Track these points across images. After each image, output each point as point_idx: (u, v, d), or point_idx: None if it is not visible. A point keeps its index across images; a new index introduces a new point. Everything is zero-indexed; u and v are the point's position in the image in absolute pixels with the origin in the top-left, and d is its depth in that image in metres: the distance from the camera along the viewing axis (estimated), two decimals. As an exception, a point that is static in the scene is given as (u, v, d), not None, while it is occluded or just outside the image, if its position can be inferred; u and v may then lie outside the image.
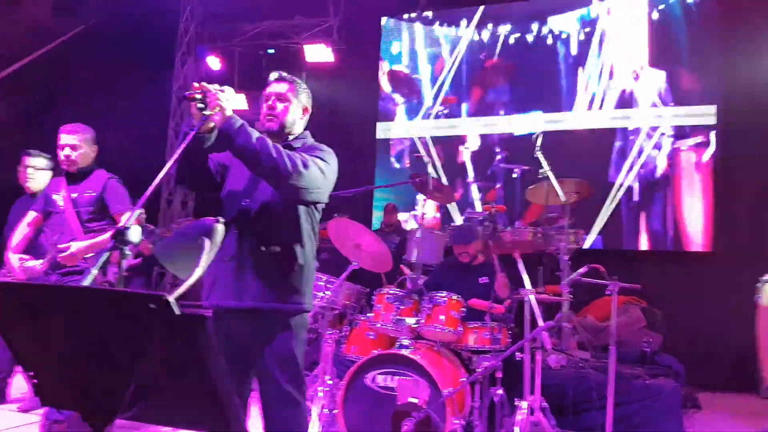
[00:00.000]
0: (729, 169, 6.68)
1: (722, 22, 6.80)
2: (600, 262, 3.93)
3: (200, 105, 2.11)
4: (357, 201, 6.72)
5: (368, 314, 3.78)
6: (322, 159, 2.32)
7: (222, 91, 2.15)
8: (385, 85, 8.03)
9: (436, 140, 7.77)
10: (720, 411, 5.22)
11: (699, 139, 6.80)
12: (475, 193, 7.45)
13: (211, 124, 2.15)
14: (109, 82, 7.28)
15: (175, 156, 2.08)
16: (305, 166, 2.21)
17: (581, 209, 6.47)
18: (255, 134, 2.16)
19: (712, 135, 6.74)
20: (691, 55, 6.89)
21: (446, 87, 7.75)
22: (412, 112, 7.91)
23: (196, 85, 2.16)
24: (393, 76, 7.98)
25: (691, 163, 6.82)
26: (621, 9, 7.19)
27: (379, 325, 3.62)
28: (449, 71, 7.72)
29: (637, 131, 7.03)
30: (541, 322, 3.27)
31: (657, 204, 6.90)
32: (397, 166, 7.85)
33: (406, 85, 7.92)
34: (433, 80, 7.80)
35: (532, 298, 3.33)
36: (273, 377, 2.28)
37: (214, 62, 8.35)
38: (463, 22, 7.75)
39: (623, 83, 7.11)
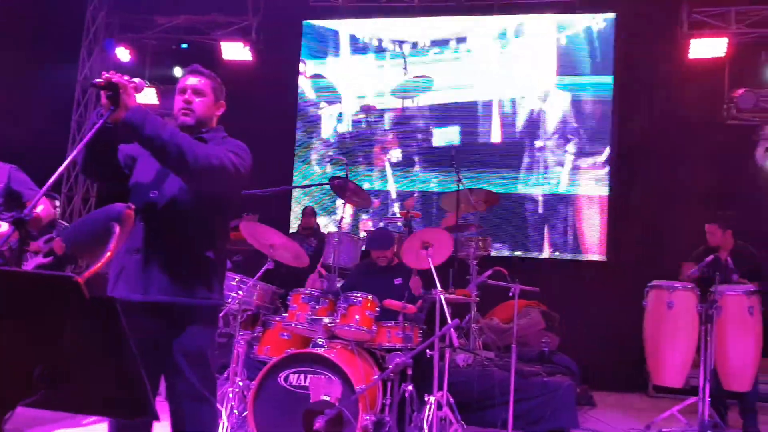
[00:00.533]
0: (623, 186, 7.27)
1: (620, 46, 7.39)
2: (505, 268, 4.16)
3: (110, 94, 2.05)
4: (274, 202, 6.66)
5: (283, 314, 3.77)
6: (235, 153, 2.29)
7: (133, 81, 2.10)
8: (309, 90, 8.03)
9: (357, 147, 7.85)
10: (612, 408, 5.61)
11: (598, 158, 7.32)
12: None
13: (121, 114, 2.08)
14: (9, 70, 6.78)
15: (81, 144, 2.02)
16: (217, 159, 2.18)
17: (490, 218, 6.81)
18: (165, 125, 2.12)
19: (607, 151, 7.27)
20: (593, 77, 7.44)
21: (368, 96, 7.88)
22: (335, 118, 7.95)
23: (106, 74, 2.09)
24: (318, 83, 8.01)
25: (591, 180, 7.33)
26: (532, 34, 7.63)
27: (293, 325, 3.62)
28: (375, 70, 7.88)
29: (543, 148, 7.46)
30: (450, 321, 3.39)
31: (559, 216, 7.34)
32: (318, 169, 7.86)
33: (330, 91, 7.96)
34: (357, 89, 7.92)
35: (442, 298, 3.46)
36: (182, 373, 2.23)
37: (123, 54, 7.98)
38: (386, 34, 7.91)
39: (532, 103, 7.53)
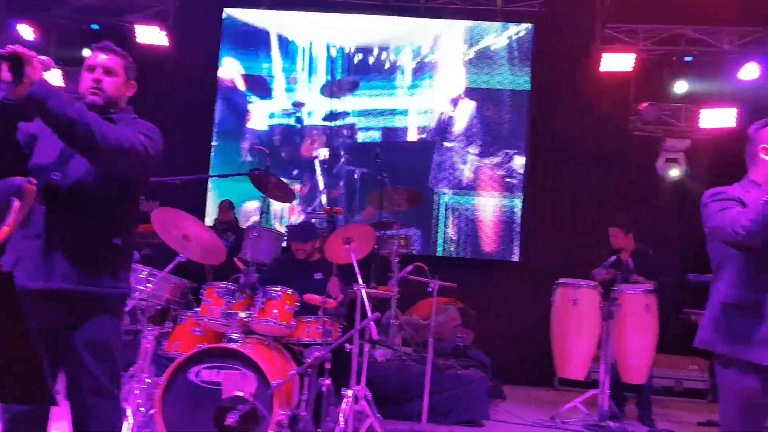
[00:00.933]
0: (537, 190, 7.60)
1: (538, 56, 7.71)
2: (430, 269, 4.23)
3: (13, 67, 1.89)
4: (187, 191, 6.41)
5: (196, 309, 3.64)
6: (146, 135, 2.18)
7: (39, 56, 1.96)
8: (240, 82, 7.82)
9: (284, 139, 7.74)
10: (521, 401, 5.86)
11: (515, 162, 7.59)
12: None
13: (25, 89, 1.93)
14: None
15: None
16: (127, 141, 2.07)
17: (411, 216, 6.91)
18: (72, 102, 1.99)
19: (522, 157, 7.56)
20: (512, 82, 7.73)
21: (298, 91, 7.80)
22: (262, 109, 7.78)
23: (10, 46, 1.93)
24: (247, 77, 7.82)
25: (506, 184, 7.61)
26: (445, 48, 7.81)
27: (206, 320, 3.49)
28: (303, 71, 7.79)
29: (457, 151, 7.66)
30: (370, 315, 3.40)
31: (475, 218, 7.56)
32: (241, 160, 7.68)
33: (259, 84, 7.79)
34: (287, 81, 7.80)
35: (363, 292, 3.47)
36: (85, 366, 2.10)
37: (26, 31, 7.40)
38: (312, 30, 7.87)
39: (443, 108, 7.73)
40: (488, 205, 7.58)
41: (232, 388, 3.06)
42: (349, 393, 3.47)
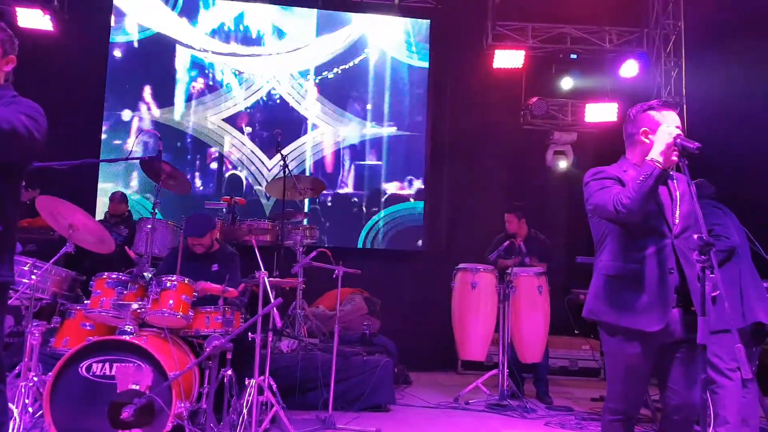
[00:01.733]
0: (436, 182, 7.84)
1: (434, 52, 7.94)
2: (332, 257, 4.23)
3: None
4: (77, 181, 6.00)
5: (85, 302, 3.42)
6: (28, 116, 2.04)
7: None
8: (133, 66, 7.42)
9: (187, 130, 7.45)
10: (426, 385, 6.00)
11: (415, 156, 7.77)
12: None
13: None
14: None
15: None
16: (7, 122, 1.94)
17: (317, 209, 6.90)
18: None
19: (422, 150, 7.79)
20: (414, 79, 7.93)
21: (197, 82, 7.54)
22: (160, 98, 7.43)
23: None
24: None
25: (409, 176, 7.78)
26: (356, 28, 7.91)
27: (97, 313, 3.30)
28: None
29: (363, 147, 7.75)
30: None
31: (380, 208, 7.67)
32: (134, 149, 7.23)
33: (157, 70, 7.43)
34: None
35: (266, 280, 3.41)
36: None
37: None
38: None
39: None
40: (392, 197, 7.72)
41: (126, 381, 2.90)
42: (252, 383, 3.41)
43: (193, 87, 7.52)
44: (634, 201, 2.31)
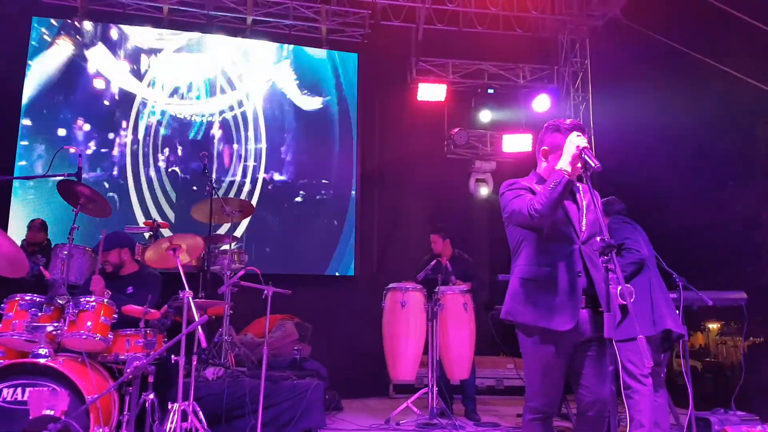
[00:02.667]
0: (366, 209, 7.97)
1: (362, 85, 8.18)
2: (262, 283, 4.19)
3: None
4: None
5: (-6, 325, 3.22)
6: None
7: None
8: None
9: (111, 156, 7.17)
10: (357, 410, 5.98)
11: (347, 185, 7.88)
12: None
13: None
14: None
15: None
16: None
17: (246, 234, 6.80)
18: None
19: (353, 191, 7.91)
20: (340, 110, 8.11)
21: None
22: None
23: None
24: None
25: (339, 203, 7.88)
26: (284, 59, 8.02)
27: (9, 336, 3.11)
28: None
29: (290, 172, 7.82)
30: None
31: (315, 235, 7.66)
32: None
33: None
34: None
35: (190, 299, 3.35)
36: None
37: None
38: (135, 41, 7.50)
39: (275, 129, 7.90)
40: (322, 225, 7.75)
41: (40, 406, 2.75)
42: (176, 407, 3.30)
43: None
44: (545, 206, 2.50)
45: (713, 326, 6.31)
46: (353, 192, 7.92)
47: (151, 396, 3.21)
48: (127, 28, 7.54)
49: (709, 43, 6.23)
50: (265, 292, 4.00)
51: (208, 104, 7.62)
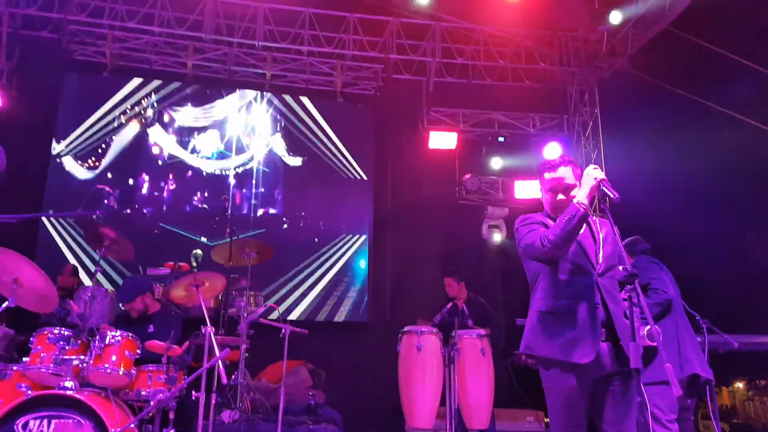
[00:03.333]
0: (379, 255, 8.02)
1: (376, 135, 8.39)
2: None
3: None
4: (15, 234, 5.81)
5: (23, 360, 3.26)
6: None
7: None
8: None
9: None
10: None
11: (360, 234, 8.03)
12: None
13: None
14: None
15: None
16: None
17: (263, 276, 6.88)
18: None
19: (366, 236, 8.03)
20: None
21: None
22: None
23: None
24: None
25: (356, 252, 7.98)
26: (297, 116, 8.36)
27: (36, 369, 3.15)
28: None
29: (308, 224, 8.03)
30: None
31: (332, 283, 7.72)
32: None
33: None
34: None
35: (212, 335, 3.39)
36: None
37: None
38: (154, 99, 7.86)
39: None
40: (341, 273, 7.83)
41: (64, 439, 2.77)
42: (197, 444, 3.30)
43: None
44: (559, 237, 2.54)
45: (740, 384, 6.10)
46: (366, 237, 8.00)
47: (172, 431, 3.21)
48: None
49: (719, 92, 6.37)
50: (283, 330, 4.02)
51: (227, 162, 8.05)
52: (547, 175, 2.76)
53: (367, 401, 6.74)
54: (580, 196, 2.59)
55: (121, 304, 3.95)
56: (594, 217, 2.82)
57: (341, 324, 7.66)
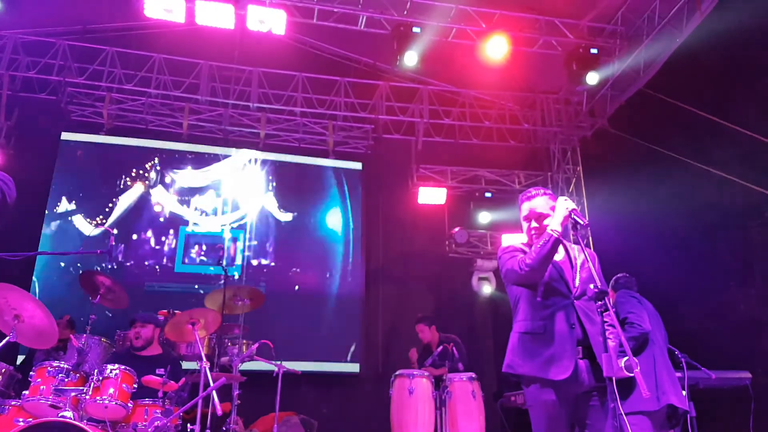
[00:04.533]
0: (371, 307, 8.13)
1: (366, 191, 8.67)
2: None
3: None
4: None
5: (24, 393, 3.32)
6: (2, 180, 2.32)
7: None
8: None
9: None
10: None
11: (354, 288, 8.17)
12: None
13: None
14: None
15: None
16: None
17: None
18: None
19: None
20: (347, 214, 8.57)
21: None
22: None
23: None
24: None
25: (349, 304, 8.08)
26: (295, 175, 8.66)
27: (36, 400, 3.22)
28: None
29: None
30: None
31: (320, 330, 7.78)
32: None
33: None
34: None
35: (207, 369, 3.49)
36: None
37: None
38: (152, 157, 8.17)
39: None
40: (327, 321, 7.89)
41: (62, 466, 2.81)
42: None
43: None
44: (535, 261, 2.76)
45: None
46: (358, 289, 8.13)
47: (168, 465, 3.25)
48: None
49: (697, 149, 6.66)
50: (276, 369, 4.10)
51: (223, 218, 8.36)
52: (524, 205, 3.01)
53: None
54: (554, 224, 2.83)
55: (132, 323, 4.06)
56: (571, 245, 3.04)
57: (333, 375, 7.65)
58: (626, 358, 2.73)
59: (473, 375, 5.48)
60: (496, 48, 7.06)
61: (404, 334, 7.94)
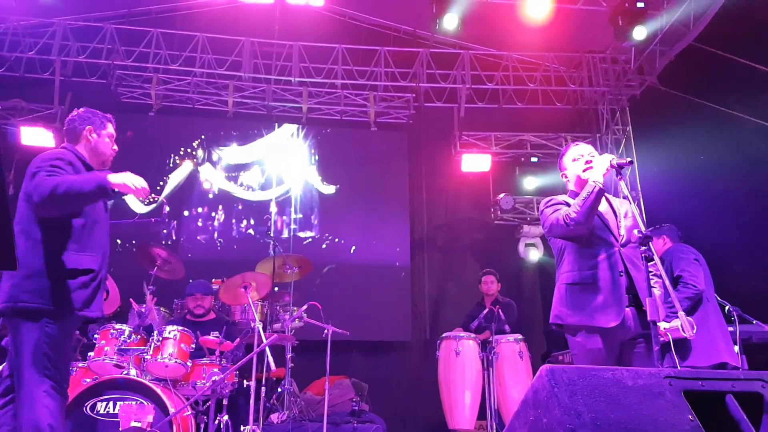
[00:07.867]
0: (417, 275, 8.19)
1: (411, 160, 8.68)
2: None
3: None
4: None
5: (89, 355, 3.56)
6: None
7: None
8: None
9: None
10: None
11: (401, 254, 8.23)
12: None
13: None
14: None
15: None
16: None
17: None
18: None
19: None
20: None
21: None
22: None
23: None
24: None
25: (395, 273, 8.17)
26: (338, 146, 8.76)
27: (101, 360, 3.44)
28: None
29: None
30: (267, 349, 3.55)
31: (369, 301, 7.91)
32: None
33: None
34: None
35: (259, 325, 3.63)
36: None
37: None
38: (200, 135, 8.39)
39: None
40: (377, 292, 8.02)
41: (129, 419, 3.01)
42: (247, 429, 3.50)
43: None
44: (580, 214, 2.74)
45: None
46: (404, 258, 8.19)
47: (225, 418, 3.43)
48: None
49: (752, 104, 6.39)
50: (326, 330, 4.22)
51: (269, 193, 8.49)
52: (572, 149, 3.01)
53: (410, 410, 6.82)
54: (595, 175, 2.80)
55: (189, 300, 4.27)
56: (613, 197, 3.01)
57: (383, 343, 7.79)
58: (678, 321, 2.70)
59: (520, 336, 5.49)
60: (538, 7, 6.88)
61: (450, 302, 8.02)
